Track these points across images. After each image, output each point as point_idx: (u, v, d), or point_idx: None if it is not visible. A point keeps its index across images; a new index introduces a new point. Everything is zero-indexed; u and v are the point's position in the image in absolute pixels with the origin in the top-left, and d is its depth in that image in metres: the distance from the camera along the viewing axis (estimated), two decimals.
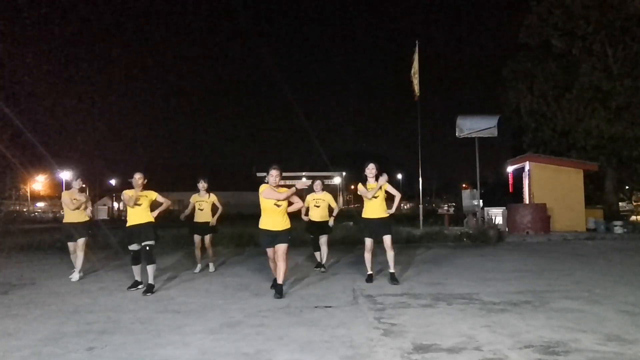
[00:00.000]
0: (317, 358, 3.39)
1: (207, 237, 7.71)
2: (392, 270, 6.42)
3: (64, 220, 7.34)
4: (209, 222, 7.70)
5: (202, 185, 7.70)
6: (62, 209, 7.54)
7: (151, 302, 5.39)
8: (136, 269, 6.27)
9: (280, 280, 5.62)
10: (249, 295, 5.69)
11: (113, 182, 53.49)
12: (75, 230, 7.22)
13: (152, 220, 6.25)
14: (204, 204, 7.68)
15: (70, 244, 7.29)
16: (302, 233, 8.16)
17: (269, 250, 5.76)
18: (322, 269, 7.54)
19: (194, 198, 7.72)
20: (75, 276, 7.10)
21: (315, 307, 5.02)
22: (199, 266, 7.71)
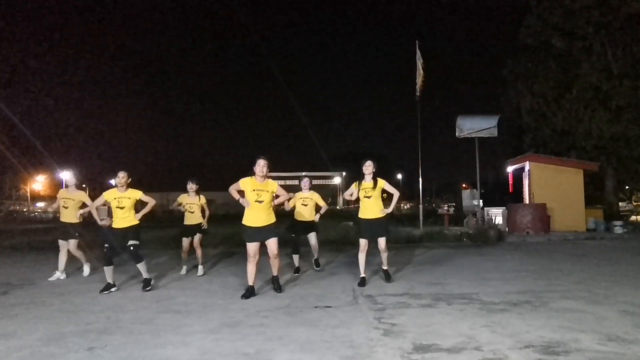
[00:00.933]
0: (317, 358, 3.39)
1: (197, 238, 7.58)
2: (385, 267, 6.43)
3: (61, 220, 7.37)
4: (199, 223, 7.59)
5: (190, 187, 7.53)
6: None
7: (151, 302, 5.39)
8: (108, 270, 6.02)
9: (275, 273, 5.84)
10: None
11: (113, 182, 53.52)
12: (65, 230, 7.25)
13: (136, 222, 6.14)
14: (194, 207, 7.53)
15: (60, 242, 7.28)
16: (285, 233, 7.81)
17: (252, 246, 5.55)
18: (318, 268, 7.52)
19: (182, 198, 7.58)
20: (86, 270, 7.40)
21: (315, 307, 5.01)
22: (184, 268, 7.60)
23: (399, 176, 65.12)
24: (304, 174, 7.88)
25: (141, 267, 6.14)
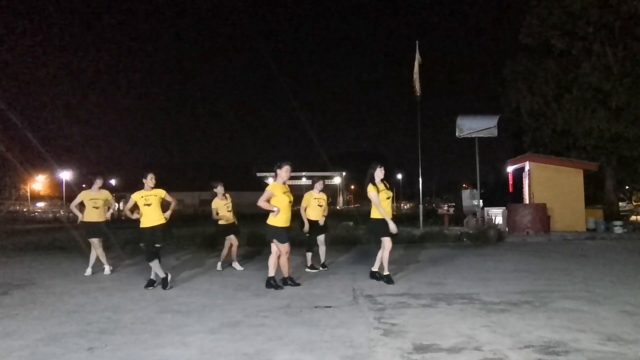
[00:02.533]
0: (317, 358, 3.39)
1: (235, 237, 7.90)
2: (387, 272, 6.47)
3: (84, 219, 7.54)
4: (234, 223, 7.94)
5: (220, 189, 7.88)
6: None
7: (151, 302, 5.39)
8: (155, 265, 6.22)
9: (288, 273, 6.21)
10: (249, 295, 5.69)
11: (113, 182, 53.46)
12: (94, 229, 7.52)
13: (164, 221, 6.34)
14: (230, 205, 7.91)
15: (93, 241, 7.54)
16: (299, 233, 8.06)
17: (288, 245, 6.03)
18: (325, 268, 7.67)
19: (216, 203, 7.84)
20: (106, 270, 7.56)
21: (315, 307, 5.02)
22: (219, 264, 7.88)
23: (399, 176, 65.13)
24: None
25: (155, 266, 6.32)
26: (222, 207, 7.82)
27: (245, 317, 4.60)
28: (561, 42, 18.93)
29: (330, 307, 5.00)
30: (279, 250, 6.01)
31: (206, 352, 3.56)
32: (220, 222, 7.86)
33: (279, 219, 5.91)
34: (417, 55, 15.60)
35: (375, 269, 6.57)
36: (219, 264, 7.89)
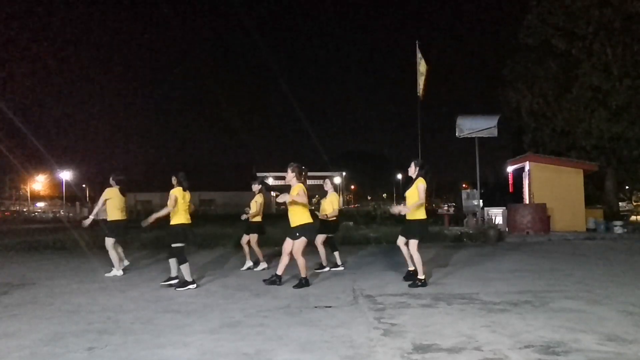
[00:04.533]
0: (317, 358, 3.39)
1: (254, 238, 7.85)
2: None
3: (115, 218, 7.44)
4: (259, 222, 7.93)
5: (257, 187, 7.92)
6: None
7: (151, 302, 5.39)
8: (185, 268, 6.19)
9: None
10: (249, 295, 5.69)
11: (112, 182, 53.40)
12: (123, 228, 7.61)
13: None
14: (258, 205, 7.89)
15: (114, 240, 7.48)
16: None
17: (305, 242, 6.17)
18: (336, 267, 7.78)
19: (261, 197, 7.87)
20: (114, 272, 7.45)
21: (315, 307, 5.02)
22: (248, 263, 7.95)
23: (399, 176, 65.10)
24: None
25: (184, 268, 6.29)
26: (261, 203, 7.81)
27: (245, 317, 4.60)
28: (561, 42, 18.93)
29: (330, 307, 5.00)
30: (293, 247, 6.05)
31: (206, 352, 3.57)
32: (255, 219, 7.82)
33: (306, 215, 6.08)
34: (419, 56, 15.57)
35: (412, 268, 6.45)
36: (250, 262, 7.92)
